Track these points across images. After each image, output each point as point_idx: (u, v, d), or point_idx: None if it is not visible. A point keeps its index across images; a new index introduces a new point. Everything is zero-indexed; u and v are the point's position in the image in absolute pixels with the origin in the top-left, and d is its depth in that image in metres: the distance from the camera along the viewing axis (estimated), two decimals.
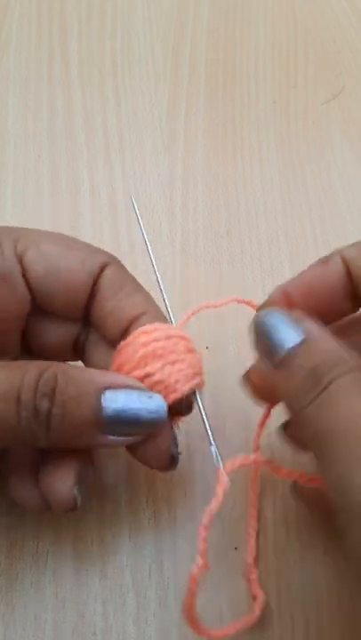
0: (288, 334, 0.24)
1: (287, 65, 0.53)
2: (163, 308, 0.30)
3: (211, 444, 0.27)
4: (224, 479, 0.26)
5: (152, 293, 0.30)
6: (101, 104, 0.50)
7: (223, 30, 0.55)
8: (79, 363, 0.31)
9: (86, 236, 0.42)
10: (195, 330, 0.32)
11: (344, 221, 0.44)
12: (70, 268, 0.28)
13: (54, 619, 0.30)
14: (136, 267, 0.40)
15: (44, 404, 0.24)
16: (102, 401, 0.25)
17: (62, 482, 0.26)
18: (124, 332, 0.28)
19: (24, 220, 0.43)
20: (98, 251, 0.30)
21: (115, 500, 0.33)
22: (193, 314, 0.30)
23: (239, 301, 0.31)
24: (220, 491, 0.26)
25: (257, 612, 0.29)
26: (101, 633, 0.29)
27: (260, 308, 0.28)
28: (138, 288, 0.29)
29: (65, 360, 0.31)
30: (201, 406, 0.28)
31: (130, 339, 0.27)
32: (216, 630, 0.28)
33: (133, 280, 0.30)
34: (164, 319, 0.29)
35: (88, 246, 0.30)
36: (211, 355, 0.36)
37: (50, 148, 0.47)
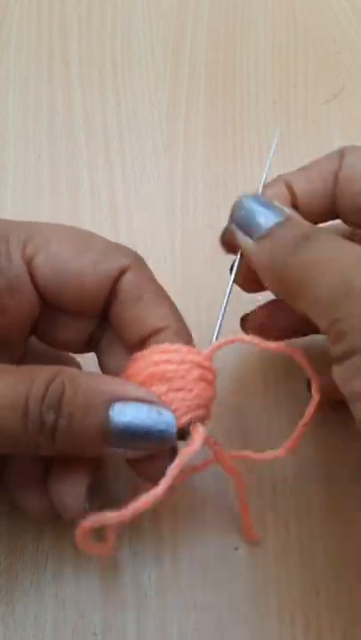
0: (269, 213, 0.27)
1: (287, 65, 0.53)
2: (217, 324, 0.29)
3: None
4: (200, 429, 0.26)
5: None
6: (101, 104, 0.50)
7: (223, 30, 0.55)
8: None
9: None
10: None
11: None
12: (82, 271, 0.27)
13: (54, 619, 0.30)
14: None
15: (51, 416, 0.23)
16: (110, 413, 0.24)
17: (73, 493, 0.26)
18: (143, 343, 0.27)
19: (24, 220, 0.43)
20: (117, 250, 0.28)
21: (115, 500, 0.33)
22: (226, 343, 0.28)
23: (287, 351, 0.28)
24: (196, 437, 0.26)
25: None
26: (101, 633, 0.29)
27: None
28: (161, 297, 0.28)
29: (78, 352, 0.30)
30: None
31: (145, 352, 0.26)
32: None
33: (156, 286, 0.28)
34: (187, 336, 0.27)
35: (106, 245, 0.28)
36: None
37: (50, 148, 0.47)
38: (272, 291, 0.27)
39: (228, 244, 0.30)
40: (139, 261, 0.28)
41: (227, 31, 0.55)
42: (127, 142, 0.48)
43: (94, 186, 0.45)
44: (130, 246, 0.41)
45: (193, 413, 0.26)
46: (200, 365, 0.26)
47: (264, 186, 0.30)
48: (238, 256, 0.29)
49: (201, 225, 0.43)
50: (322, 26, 0.56)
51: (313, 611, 0.30)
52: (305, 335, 0.33)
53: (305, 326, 0.31)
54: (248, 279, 0.30)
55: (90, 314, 0.28)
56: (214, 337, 0.28)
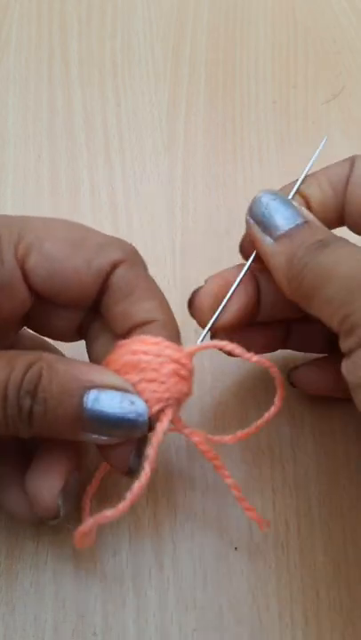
0: (290, 214, 0.27)
1: (287, 65, 0.53)
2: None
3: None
4: (169, 412, 0.27)
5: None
6: (101, 104, 0.50)
7: (223, 30, 0.55)
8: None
9: None
10: None
11: None
12: (76, 269, 0.27)
13: (54, 619, 0.30)
14: None
15: (27, 402, 0.24)
16: (85, 400, 0.24)
17: (48, 488, 0.26)
18: (130, 334, 0.27)
19: None
20: (112, 244, 0.28)
21: (114, 500, 0.33)
22: (207, 347, 0.29)
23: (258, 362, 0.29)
24: (164, 418, 0.26)
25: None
26: (101, 633, 0.29)
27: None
28: (151, 291, 0.28)
29: (68, 340, 0.30)
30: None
31: (128, 341, 0.27)
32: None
33: (148, 280, 0.28)
34: (173, 331, 0.28)
35: (100, 240, 0.28)
36: None
37: (50, 148, 0.47)
38: (286, 292, 0.27)
39: (247, 248, 0.30)
40: (132, 255, 0.28)
41: (227, 31, 0.55)
42: (127, 142, 0.48)
43: (94, 186, 0.45)
44: None
45: (163, 405, 0.26)
46: (175, 360, 0.27)
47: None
48: (252, 257, 0.29)
49: (201, 225, 0.43)
50: (322, 26, 0.56)
51: (313, 611, 0.30)
52: (274, 350, 0.34)
53: (274, 342, 0.33)
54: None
55: (81, 306, 0.29)
56: (200, 338, 0.29)
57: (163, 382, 0.26)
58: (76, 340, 0.31)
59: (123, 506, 0.25)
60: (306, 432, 0.35)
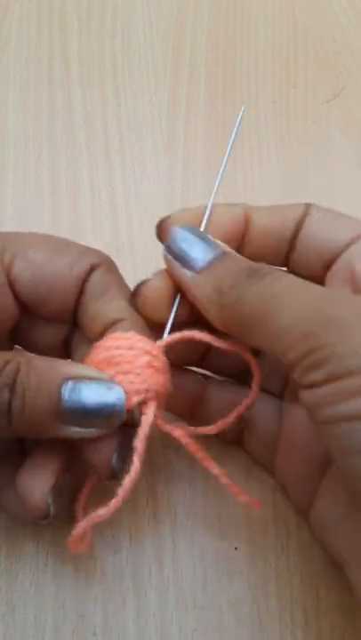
0: (207, 247, 0.27)
1: (287, 65, 0.53)
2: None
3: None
4: (151, 404, 0.27)
5: None
6: (101, 104, 0.50)
7: (223, 30, 0.55)
8: None
9: (86, 236, 0.42)
10: None
11: None
12: (58, 273, 0.28)
13: (54, 619, 0.30)
14: (136, 267, 0.40)
15: (5, 395, 0.24)
16: (62, 391, 0.25)
17: (38, 488, 0.26)
18: (103, 333, 0.28)
19: (24, 220, 0.43)
20: (88, 252, 0.29)
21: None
22: (180, 339, 0.28)
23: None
24: (147, 410, 0.27)
25: None
26: (101, 633, 0.30)
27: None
28: (123, 292, 0.29)
29: (54, 356, 0.30)
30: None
31: (100, 342, 0.27)
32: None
33: (120, 283, 0.29)
34: (143, 326, 0.28)
35: (78, 248, 0.29)
36: None
37: (50, 148, 0.47)
38: (215, 321, 0.27)
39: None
40: (107, 261, 0.30)
41: (227, 31, 0.55)
42: (127, 142, 0.48)
43: (94, 186, 0.45)
44: (130, 247, 0.42)
45: (142, 396, 0.27)
46: (148, 352, 0.27)
47: (219, 205, 0.30)
48: (178, 297, 0.29)
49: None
50: (322, 26, 0.56)
51: (313, 611, 0.30)
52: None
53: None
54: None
55: (65, 316, 0.29)
56: (166, 332, 0.29)
57: (138, 374, 0.27)
58: (61, 357, 0.30)
59: (115, 502, 0.26)
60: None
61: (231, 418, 0.30)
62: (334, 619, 0.30)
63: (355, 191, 0.46)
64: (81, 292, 0.29)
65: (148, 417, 0.26)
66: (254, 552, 0.32)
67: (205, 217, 0.29)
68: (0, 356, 0.25)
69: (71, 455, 0.28)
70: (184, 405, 0.32)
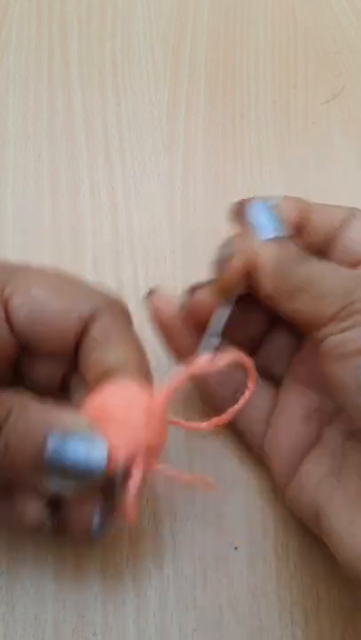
0: (281, 226, 0.30)
1: (287, 65, 0.53)
2: None
3: None
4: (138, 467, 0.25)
5: None
6: (101, 104, 0.50)
7: (223, 30, 0.55)
8: None
9: (86, 236, 0.42)
10: None
11: None
12: (57, 312, 0.27)
13: (54, 619, 0.30)
14: (136, 267, 0.40)
15: None
16: (48, 442, 0.24)
17: (35, 502, 0.26)
18: (100, 381, 0.27)
19: (24, 220, 0.43)
20: (93, 294, 0.29)
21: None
22: (179, 384, 0.27)
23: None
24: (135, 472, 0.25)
25: None
26: (101, 633, 0.30)
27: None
28: (127, 338, 0.28)
29: (53, 396, 0.30)
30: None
31: (96, 392, 0.26)
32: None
33: (125, 329, 0.28)
34: (145, 378, 0.27)
35: (85, 289, 0.29)
36: None
37: (50, 148, 0.47)
38: (267, 287, 0.29)
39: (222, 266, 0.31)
40: (115, 305, 0.29)
41: (227, 31, 0.55)
42: (127, 142, 0.48)
43: (94, 186, 0.45)
44: (130, 246, 0.42)
45: (132, 454, 0.25)
46: (145, 409, 0.26)
47: (289, 197, 0.32)
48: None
49: (201, 225, 0.43)
50: (322, 26, 0.56)
51: (313, 611, 0.30)
52: None
53: None
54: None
55: (62, 356, 0.29)
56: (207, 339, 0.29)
57: (132, 430, 0.25)
58: (59, 396, 0.30)
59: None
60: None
61: (227, 416, 0.30)
62: (334, 619, 0.30)
63: (355, 191, 0.46)
64: (83, 334, 0.28)
65: (134, 479, 0.25)
66: (254, 552, 0.32)
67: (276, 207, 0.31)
68: None
69: None
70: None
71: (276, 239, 0.29)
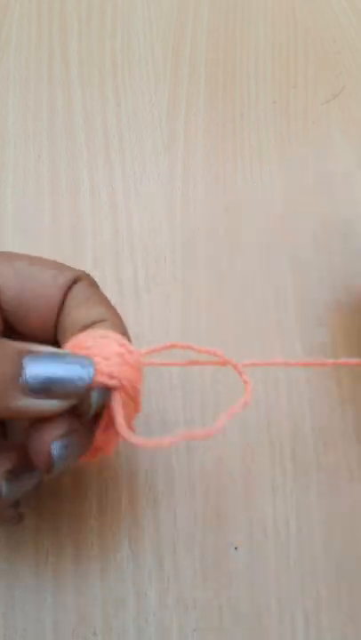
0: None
1: (287, 65, 0.53)
2: None
3: None
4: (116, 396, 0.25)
5: None
6: (101, 104, 0.50)
7: (223, 30, 0.55)
8: None
9: (86, 236, 0.42)
10: None
11: None
12: (43, 282, 0.28)
13: (54, 619, 0.30)
14: (135, 267, 0.40)
15: None
16: (23, 360, 0.24)
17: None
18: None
19: (24, 220, 0.43)
20: (70, 267, 0.30)
21: (115, 499, 0.33)
22: (163, 349, 0.28)
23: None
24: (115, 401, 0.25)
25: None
26: (101, 633, 0.30)
27: None
28: (104, 301, 0.29)
29: None
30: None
31: (73, 337, 0.26)
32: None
33: (101, 294, 0.29)
34: (122, 330, 0.28)
35: (59, 263, 0.30)
36: None
37: (50, 148, 0.47)
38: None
39: None
40: (87, 276, 0.30)
41: (227, 31, 0.55)
42: (127, 142, 0.48)
43: (94, 186, 0.45)
44: (130, 246, 0.42)
45: (108, 378, 0.25)
46: (121, 344, 0.26)
47: None
48: None
49: (201, 225, 0.43)
50: (322, 26, 0.56)
51: (313, 611, 0.30)
52: None
53: None
54: None
55: (47, 333, 0.29)
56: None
57: (107, 358, 0.25)
58: None
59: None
60: (306, 431, 0.35)
61: (219, 424, 0.29)
62: (334, 619, 0.30)
63: (355, 191, 0.46)
64: (63, 301, 0.29)
65: (116, 397, 0.25)
66: (254, 552, 0.32)
67: None
68: None
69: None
70: None
71: None
